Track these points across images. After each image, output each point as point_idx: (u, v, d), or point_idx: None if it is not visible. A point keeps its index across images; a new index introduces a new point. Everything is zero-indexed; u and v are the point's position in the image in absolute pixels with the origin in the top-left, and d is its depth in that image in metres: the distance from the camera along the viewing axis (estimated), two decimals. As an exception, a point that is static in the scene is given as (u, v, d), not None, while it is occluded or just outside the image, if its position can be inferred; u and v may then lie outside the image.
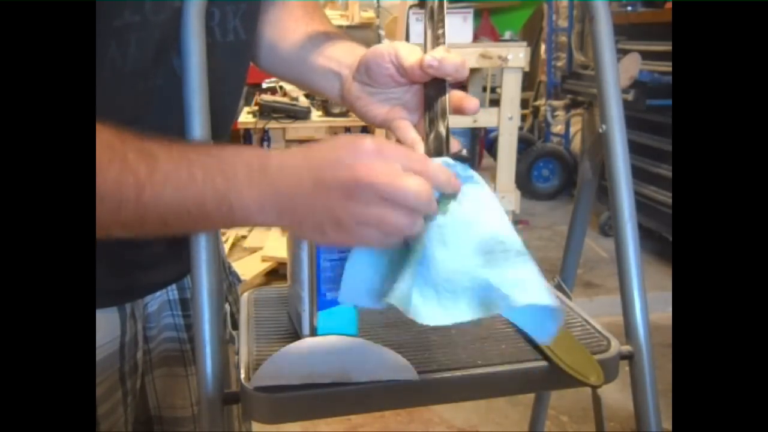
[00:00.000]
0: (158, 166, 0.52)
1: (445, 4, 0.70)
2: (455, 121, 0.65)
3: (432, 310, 0.55)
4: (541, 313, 0.57)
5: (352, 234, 0.52)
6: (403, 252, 0.57)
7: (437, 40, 0.67)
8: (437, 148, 0.62)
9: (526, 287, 0.55)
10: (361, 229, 0.52)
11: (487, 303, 0.55)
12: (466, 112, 0.65)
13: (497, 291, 0.54)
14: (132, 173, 0.51)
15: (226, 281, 0.89)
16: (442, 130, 0.63)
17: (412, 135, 0.67)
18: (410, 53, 0.66)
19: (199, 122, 0.64)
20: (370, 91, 0.71)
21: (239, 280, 0.95)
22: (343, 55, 0.75)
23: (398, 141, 0.69)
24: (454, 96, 0.65)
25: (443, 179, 0.55)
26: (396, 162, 0.52)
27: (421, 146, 0.64)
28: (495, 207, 0.58)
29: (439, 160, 0.58)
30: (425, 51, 0.66)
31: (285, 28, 0.81)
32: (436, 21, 0.68)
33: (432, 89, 0.66)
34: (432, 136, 0.63)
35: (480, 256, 0.56)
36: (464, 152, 0.62)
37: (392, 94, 0.70)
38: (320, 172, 0.52)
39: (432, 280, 0.55)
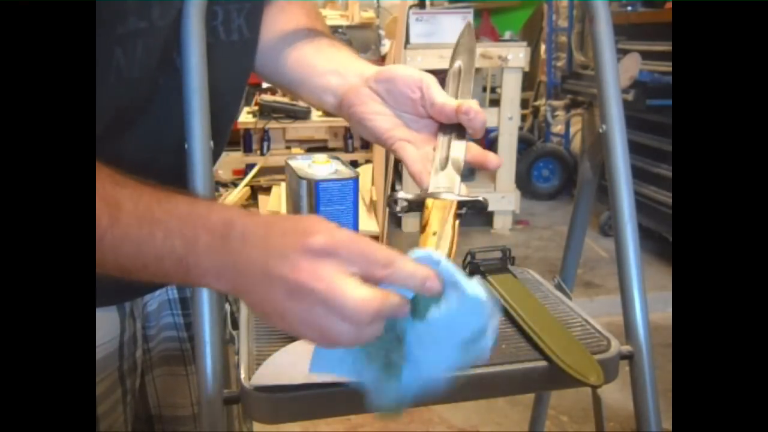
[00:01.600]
0: (120, 218, 0.52)
1: (474, 64, 0.73)
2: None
3: (417, 393, 0.53)
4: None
5: (296, 331, 0.50)
6: (375, 344, 0.53)
7: (466, 87, 0.70)
8: (448, 189, 0.62)
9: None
10: (303, 329, 0.50)
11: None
12: (489, 167, 0.66)
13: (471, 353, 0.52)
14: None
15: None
16: (455, 172, 0.63)
17: (419, 167, 0.66)
18: (441, 90, 0.67)
19: (198, 122, 0.64)
20: (381, 102, 0.70)
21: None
22: (348, 61, 0.75)
23: (400, 161, 0.68)
24: (476, 150, 0.66)
25: (413, 283, 0.50)
26: (351, 263, 0.48)
27: (427, 179, 0.64)
28: (478, 311, 0.52)
29: (423, 255, 0.52)
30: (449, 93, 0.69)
31: (283, 28, 0.80)
32: (464, 76, 0.72)
33: (449, 130, 0.67)
34: (443, 174, 0.63)
35: (460, 352, 0.52)
36: (481, 198, 0.61)
37: (401, 117, 0.70)
38: (268, 261, 0.49)
39: (419, 378, 0.53)
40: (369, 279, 0.49)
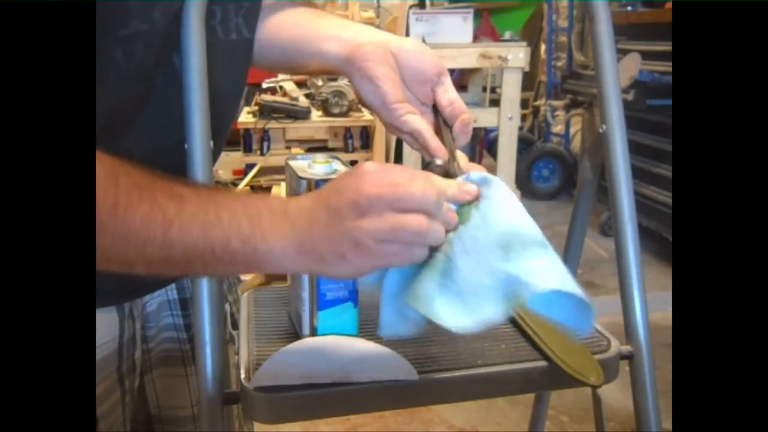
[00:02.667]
0: (186, 207, 0.53)
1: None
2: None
3: (458, 316, 0.54)
4: (571, 306, 0.56)
5: (374, 253, 0.52)
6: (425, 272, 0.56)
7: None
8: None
9: (547, 274, 0.54)
10: (380, 246, 0.52)
11: (510, 296, 0.54)
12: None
13: (518, 281, 0.54)
14: (161, 211, 0.52)
15: (226, 281, 0.89)
16: (462, 171, 0.64)
17: (436, 141, 0.66)
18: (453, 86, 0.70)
19: (198, 120, 0.64)
20: (396, 70, 0.69)
21: (239, 280, 0.95)
22: (357, 24, 0.75)
23: (404, 134, 0.68)
24: (466, 160, 0.68)
25: (453, 190, 0.56)
26: (399, 176, 0.53)
27: (446, 154, 0.65)
28: (512, 203, 0.58)
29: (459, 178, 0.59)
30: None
31: (284, 10, 0.79)
32: None
33: (445, 126, 0.69)
34: (454, 165, 0.64)
35: (498, 251, 0.55)
36: None
37: (406, 92, 0.70)
38: (329, 201, 0.53)
39: (457, 287, 0.55)
40: None
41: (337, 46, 0.71)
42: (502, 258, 0.55)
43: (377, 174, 0.53)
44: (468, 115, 0.67)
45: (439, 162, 0.62)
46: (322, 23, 0.75)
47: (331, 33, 0.73)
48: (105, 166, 0.51)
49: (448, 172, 0.61)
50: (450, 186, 0.57)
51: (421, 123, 0.66)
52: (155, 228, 0.52)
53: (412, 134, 0.66)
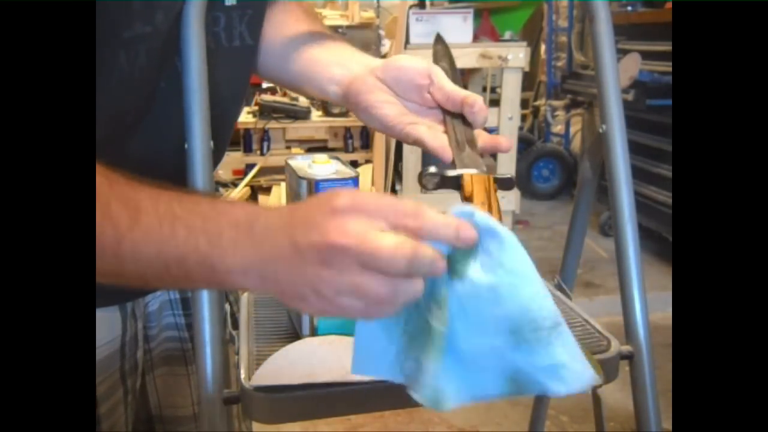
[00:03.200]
0: (141, 219, 0.50)
1: (456, 67, 0.75)
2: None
3: (459, 390, 0.51)
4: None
5: (333, 304, 0.48)
6: (416, 320, 0.51)
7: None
8: (474, 163, 0.62)
9: (561, 374, 0.51)
10: (341, 299, 0.47)
11: (518, 384, 0.51)
12: (501, 150, 0.67)
13: (530, 377, 0.51)
14: (111, 224, 0.49)
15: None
16: (476, 153, 0.63)
17: (438, 142, 0.65)
18: (448, 80, 0.69)
19: (198, 122, 0.64)
20: (388, 91, 0.70)
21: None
22: (350, 53, 0.76)
23: (415, 143, 0.69)
24: (486, 136, 0.67)
25: (446, 233, 0.48)
26: (378, 217, 0.47)
27: (450, 152, 0.64)
28: (524, 269, 0.50)
29: (456, 210, 0.50)
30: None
31: (288, 31, 0.80)
32: (452, 76, 0.72)
33: (455, 118, 0.68)
34: (466, 154, 0.63)
35: (508, 335, 0.50)
36: (510, 175, 0.59)
37: (407, 106, 0.70)
38: (296, 235, 0.48)
39: (457, 357, 0.51)
40: (400, 232, 0.47)
41: (335, 87, 0.74)
42: (512, 346, 0.50)
43: (348, 215, 0.46)
44: (471, 97, 0.67)
45: (432, 170, 0.59)
46: (322, 58, 0.76)
47: (329, 74, 0.75)
48: None
49: (443, 177, 0.59)
50: (444, 227, 0.48)
51: (420, 131, 0.67)
52: (105, 241, 0.49)
53: (416, 144, 0.67)
